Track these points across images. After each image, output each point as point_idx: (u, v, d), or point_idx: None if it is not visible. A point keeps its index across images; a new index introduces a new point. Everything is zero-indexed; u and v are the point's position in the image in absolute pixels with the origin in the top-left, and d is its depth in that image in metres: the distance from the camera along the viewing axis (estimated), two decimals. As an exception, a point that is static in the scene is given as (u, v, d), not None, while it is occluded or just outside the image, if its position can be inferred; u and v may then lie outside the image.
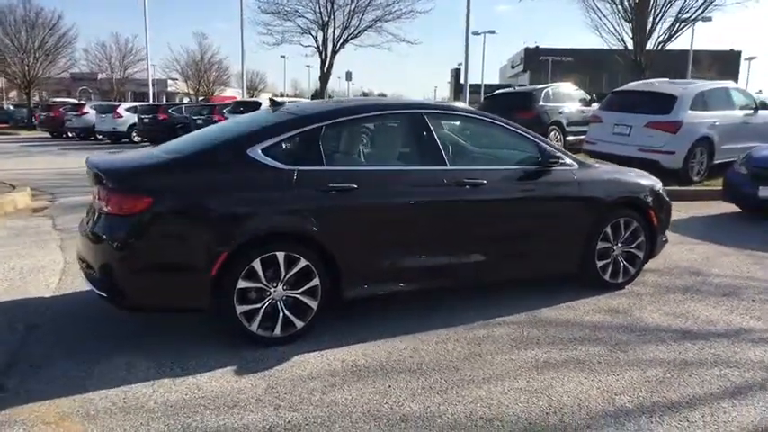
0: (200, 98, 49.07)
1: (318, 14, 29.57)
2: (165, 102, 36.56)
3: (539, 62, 56.43)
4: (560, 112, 12.79)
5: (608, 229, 4.59)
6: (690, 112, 9.35)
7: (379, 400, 2.97)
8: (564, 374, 3.28)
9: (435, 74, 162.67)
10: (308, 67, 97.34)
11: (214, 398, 2.98)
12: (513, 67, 64.84)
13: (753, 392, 3.08)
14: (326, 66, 30.18)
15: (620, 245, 4.67)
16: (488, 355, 3.52)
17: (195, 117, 19.15)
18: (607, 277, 4.67)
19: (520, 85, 41.03)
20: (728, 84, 11.10)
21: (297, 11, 29.63)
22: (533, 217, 4.37)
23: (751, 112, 10.33)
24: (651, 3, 18.87)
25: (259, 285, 3.49)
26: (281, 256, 3.51)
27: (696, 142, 9.35)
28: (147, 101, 32.40)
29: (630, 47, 20.11)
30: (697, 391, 3.08)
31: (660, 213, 4.85)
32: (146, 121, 20.60)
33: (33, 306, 4.35)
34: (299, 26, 30.25)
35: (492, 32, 48.30)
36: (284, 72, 73.38)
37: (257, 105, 17.77)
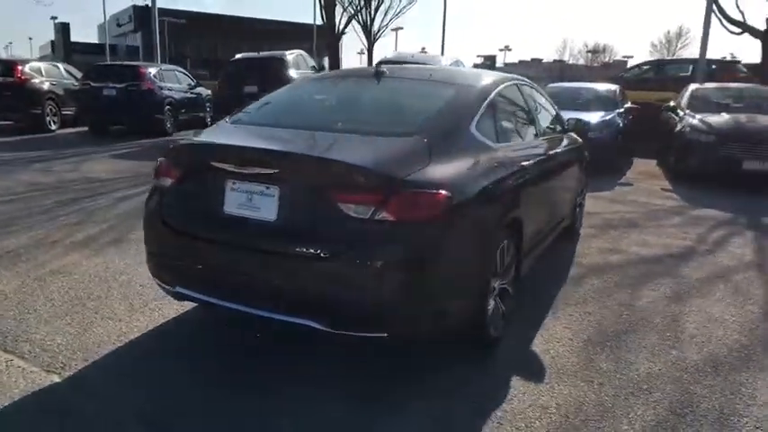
0: None
1: None
2: None
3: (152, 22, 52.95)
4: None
5: (582, 186, 5.46)
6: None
7: (691, 359, 3.17)
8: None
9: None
10: None
11: (598, 413, 2.65)
12: (119, 26, 58.85)
13: None
14: None
15: (580, 197, 5.61)
16: (656, 288, 4.00)
17: None
18: (577, 225, 5.58)
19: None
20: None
21: None
22: (566, 178, 4.87)
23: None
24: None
25: (494, 281, 3.09)
26: (505, 245, 3.15)
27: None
28: None
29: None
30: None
31: (586, 167, 5.95)
32: None
33: (70, 398, 2.65)
34: None
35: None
36: None
37: None
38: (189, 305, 3.64)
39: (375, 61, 15.06)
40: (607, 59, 79.92)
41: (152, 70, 13.24)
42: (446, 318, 2.68)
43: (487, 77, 3.69)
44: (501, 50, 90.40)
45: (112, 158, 10.04)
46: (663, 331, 3.54)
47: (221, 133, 3.13)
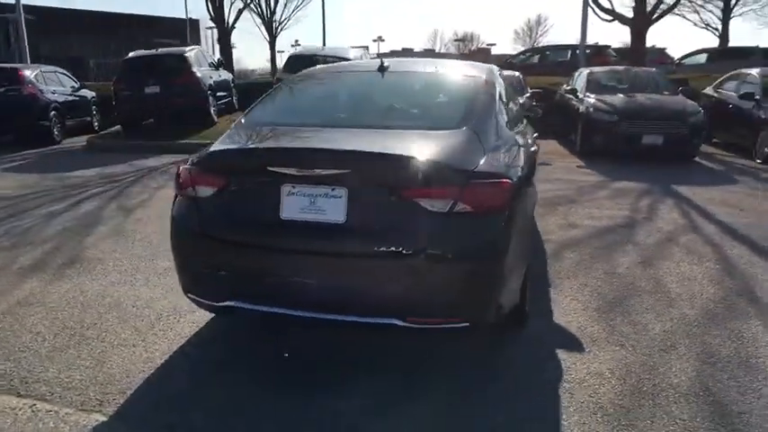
0: None
1: None
2: None
3: (-7, 18, 47.29)
4: (210, 76, 12.37)
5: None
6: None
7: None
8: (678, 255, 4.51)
9: None
10: None
11: (646, 372, 2.89)
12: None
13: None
14: None
15: (531, 178, 5.97)
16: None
17: None
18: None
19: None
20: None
21: None
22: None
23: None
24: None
25: (528, 261, 3.26)
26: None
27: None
28: None
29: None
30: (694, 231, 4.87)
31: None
32: None
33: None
34: None
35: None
36: None
37: None
38: (199, 320, 3.44)
39: (275, 54, 14.64)
40: (473, 47, 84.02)
41: (32, 72, 11.93)
42: (510, 299, 2.79)
43: (483, 67, 3.83)
44: (374, 41, 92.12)
45: (5, 172, 8.96)
46: (653, 293, 3.92)
47: (259, 137, 2.96)
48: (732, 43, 27.60)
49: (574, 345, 3.19)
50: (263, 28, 17.74)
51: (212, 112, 12.25)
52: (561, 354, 3.08)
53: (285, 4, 18.68)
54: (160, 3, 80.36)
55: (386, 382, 2.79)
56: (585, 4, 14.40)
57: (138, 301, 3.80)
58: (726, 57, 19.83)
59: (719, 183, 7.85)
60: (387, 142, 2.72)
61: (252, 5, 17.54)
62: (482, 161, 2.64)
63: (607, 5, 15.45)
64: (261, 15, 16.92)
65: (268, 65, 62.39)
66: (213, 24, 22.63)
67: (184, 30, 44.32)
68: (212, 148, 2.87)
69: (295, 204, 2.56)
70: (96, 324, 3.47)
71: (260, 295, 2.67)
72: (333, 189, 2.52)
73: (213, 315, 3.46)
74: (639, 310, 3.65)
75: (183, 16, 44.82)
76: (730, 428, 2.45)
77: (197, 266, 2.81)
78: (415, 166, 2.47)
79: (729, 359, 3.02)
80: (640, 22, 14.93)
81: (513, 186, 2.65)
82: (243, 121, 3.24)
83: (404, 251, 2.44)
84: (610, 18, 15.35)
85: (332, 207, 2.52)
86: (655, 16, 15.01)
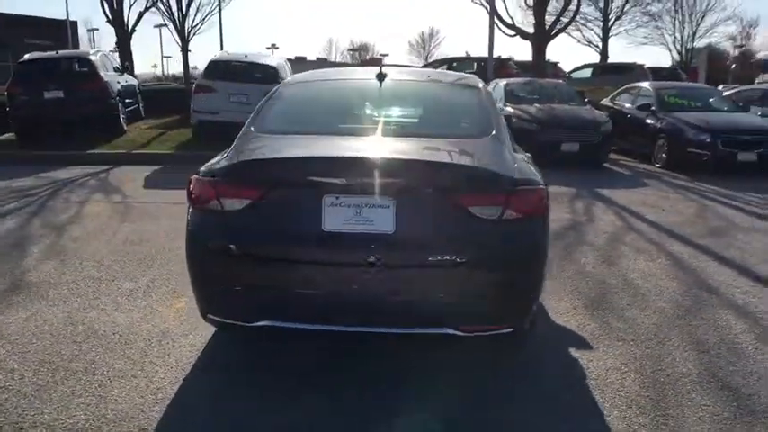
0: None
1: None
2: None
3: None
4: (118, 81, 11.53)
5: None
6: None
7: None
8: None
9: None
10: None
11: (655, 363, 3.06)
12: None
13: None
14: None
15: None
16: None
17: None
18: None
19: None
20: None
21: None
22: None
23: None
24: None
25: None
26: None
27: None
28: None
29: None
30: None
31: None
32: None
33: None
34: None
35: None
36: None
37: None
38: (197, 343, 3.20)
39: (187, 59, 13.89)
40: (367, 57, 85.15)
41: None
42: (538, 302, 2.86)
43: (472, 76, 3.92)
44: (268, 48, 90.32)
45: None
46: (626, 289, 4.20)
47: (289, 146, 2.79)
48: (610, 59, 30.30)
49: (581, 343, 3.33)
50: (174, 32, 16.52)
51: (122, 119, 11.44)
52: (574, 352, 3.21)
53: (198, 9, 17.76)
54: (31, 2, 73.92)
55: (405, 391, 2.75)
56: (492, 20, 15.17)
57: (116, 327, 3.46)
58: (608, 72, 21.68)
59: (633, 186, 8.59)
60: (431, 150, 2.71)
61: (162, 9, 16.51)
62: (517, 167, 2.71)
63: (509, 22, 16.35)
64: (172, 19, 15.88)
65: (153, 70, 59.03)
66: (95, 27, 20.81)
67: (59, 31, 40.86)
68: (240, 159, 2.67)
69: (339, 215, 2.47)
70: (78, 355, 3.11)
71: (299, 312, 2.53)
72: (380, 198, 2.46)
73: (212, 336, 3.25)
74: (622, 305, 3.89)
75: (58, 17, 41.34)
76: (748, 410, 2.68)
77: (223, 285, 2.61)
78: (470, 173, 2.51)
79: (719, 346, 3.30)
80: (540, 37, 15.93)
81: (546, 192, 2.74)
82: (252, 129, 3.05)
83: (458, 259, 2.43)
84: (512, 33, 16.25)
85: (380, 217, 2.45)
86: (553, 32, 16.10)
